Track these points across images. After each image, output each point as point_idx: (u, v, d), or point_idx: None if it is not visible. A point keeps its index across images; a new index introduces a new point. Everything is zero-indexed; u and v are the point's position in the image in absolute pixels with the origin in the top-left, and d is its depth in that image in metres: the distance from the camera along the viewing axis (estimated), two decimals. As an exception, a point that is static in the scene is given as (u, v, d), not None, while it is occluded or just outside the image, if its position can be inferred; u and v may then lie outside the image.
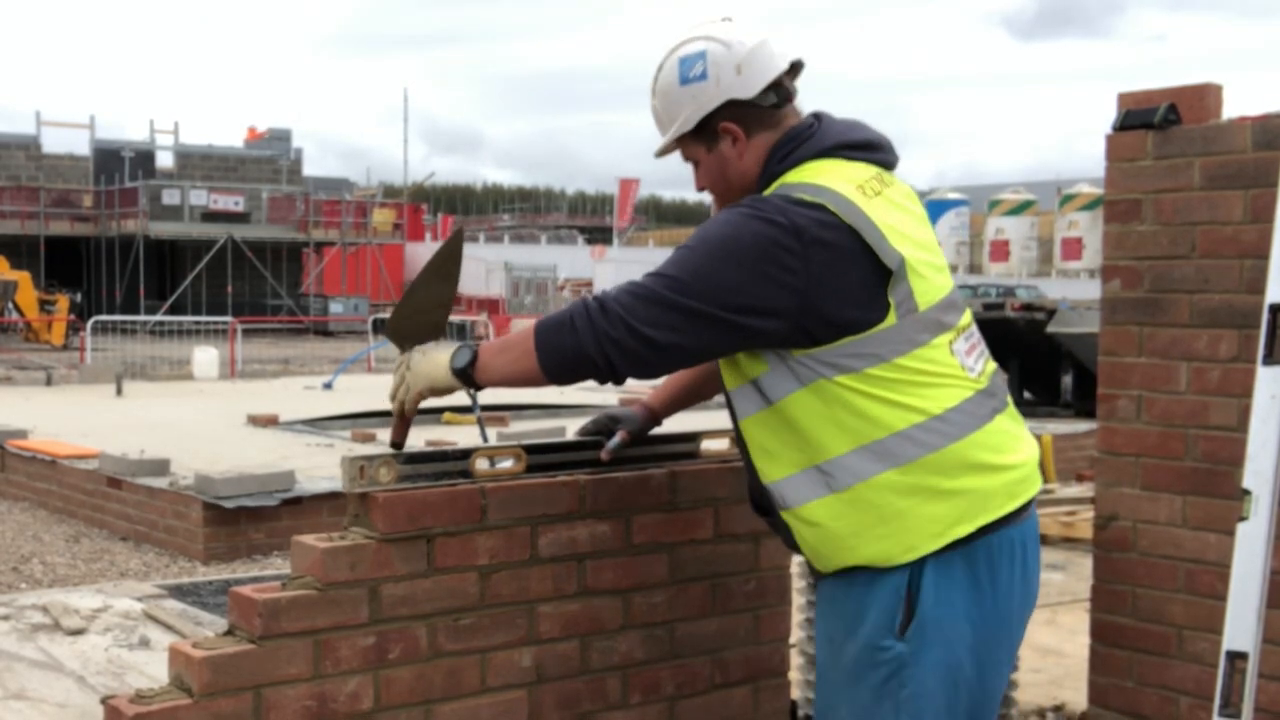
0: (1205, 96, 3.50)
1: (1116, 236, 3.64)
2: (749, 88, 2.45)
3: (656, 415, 3.01)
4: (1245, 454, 2.94)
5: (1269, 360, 2.96)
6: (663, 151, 2.61)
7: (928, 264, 2.42)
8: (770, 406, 2.42)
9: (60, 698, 4.09)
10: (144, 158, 43.04)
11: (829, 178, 2.38)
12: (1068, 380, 12.99)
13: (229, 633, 2.63)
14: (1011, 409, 2.53)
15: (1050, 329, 12.85)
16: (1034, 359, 13.36)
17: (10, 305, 28.13)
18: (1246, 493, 2.91)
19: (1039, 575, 2.53)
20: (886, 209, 2.40)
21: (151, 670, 4.31)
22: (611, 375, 2.39)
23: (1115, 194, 3.64)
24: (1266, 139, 3.33)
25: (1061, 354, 12.91)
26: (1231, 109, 3.50)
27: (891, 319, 2.33)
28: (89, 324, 22.54)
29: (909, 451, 2.33)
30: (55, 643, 4.69)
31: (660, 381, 2.88)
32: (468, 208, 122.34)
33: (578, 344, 2.37)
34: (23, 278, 28.71)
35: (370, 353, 22.41)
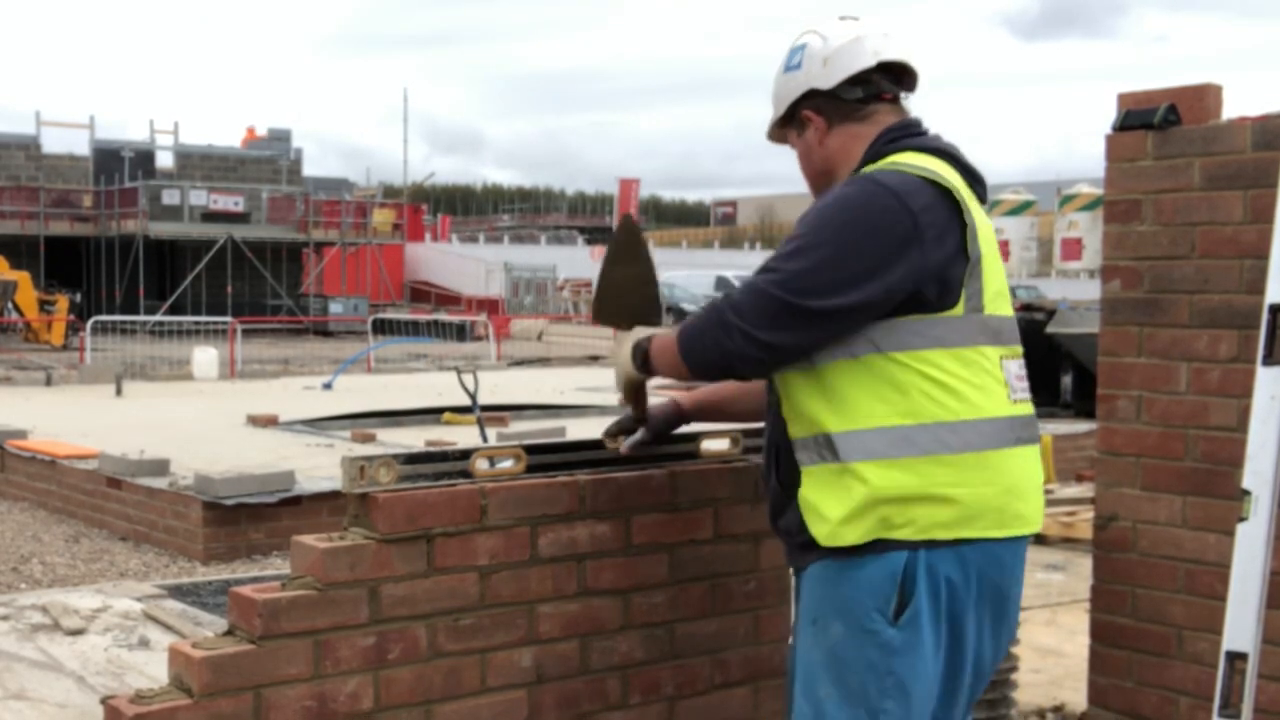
0: (1205, 97, 3.50)
1: (1116, 237, 3.64)
2: (829, 78, 2.59)
3: (685, 414, 3.06)
4: (1245, 454, 2.94)
5: (1269, 360, 2.96)
6: (770, 134, 2.78)
7: (999, 279, 2.52)
8: (813, 369, 2.47)
9: (60, 698, 4.09)
10: (144, 158, 43.01)
11: (935, 165, 2.49)
12: (1068, 380, 12.99)
13: (229, 633, 2.63)
14: (1034, 449, 2.56)
15: (1050, 329, 12.85)
16: (1034, 359, 13.31)
17: (10, 305, 28.12)
18: (1246, 493, 2.91)
19: (1018, 608, 2.59)
20: (978, 215, 2.51)
21: (151, 670, 4.31)
22: (744, 377, 2.60)
23: (1115, 194, 3.63)
24: (1266, 139, 3.33)
25: (1061, 354, 12.91)
26: (1232, 109, 3.50)
27: (960, 309, 2.41)
28: (89, 324, 22.54)
29: (943, 442, 2.38)
30: (55, 643, 4.69)
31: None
32: (468, 208, 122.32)
33: (706, 353, 2.50)
34: (22, 278, 28.69)
35: (370, 353, 22.41)
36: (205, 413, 13.18)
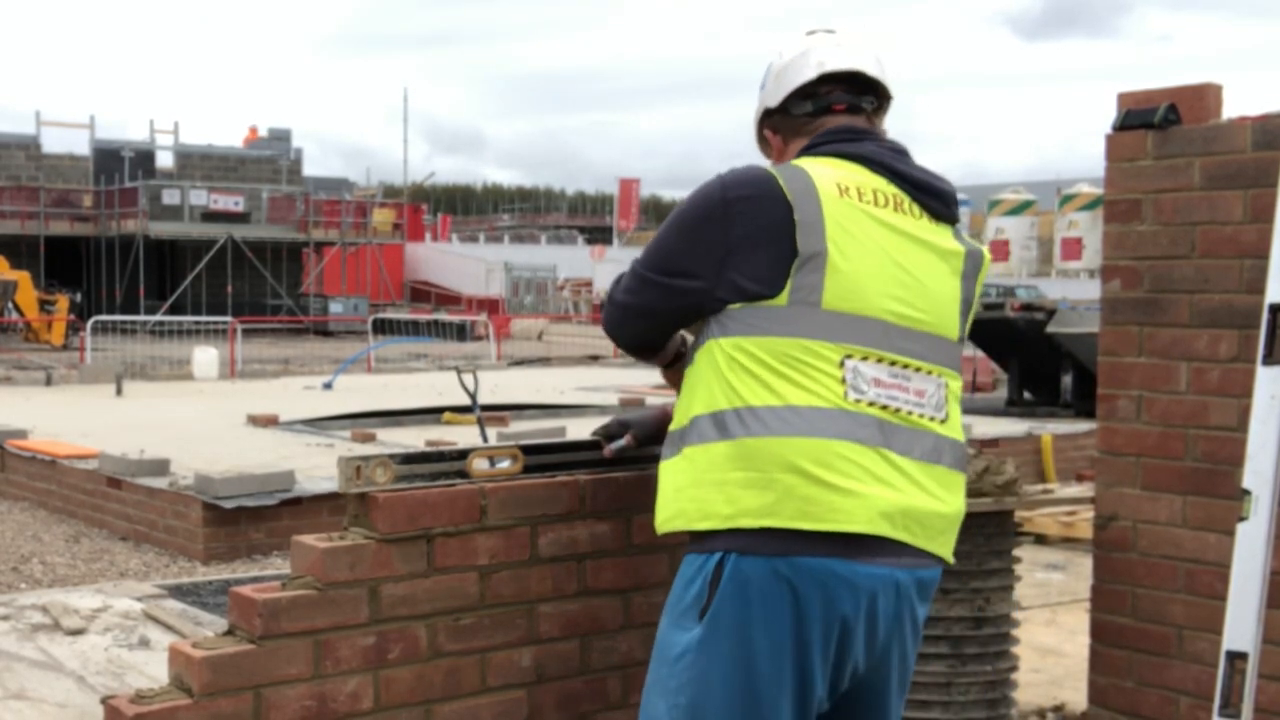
0: (1205, 96, 3.50)
1: (1116, 236, 3.64)
2: (775, 96, 2.60)
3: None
4: (1245, 454, 2.94)
5: (1269, 360, 2.96)
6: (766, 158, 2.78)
7: (883, 282, 2.38)
8: (692, 365, 2.52)
9: (60, 698, 4.09)
10: (144, 158, 43.00)
11: (818, 169, 2.42)
12: (1068, 380, 12.99)
13: (229, 633, 2.63)
14: (913, 463, 2.38)
15: (1050, 329, 12.85)
16: (1034, 359, 13.37)
17: (10, 305, 28.12)
18: (1246, 493, 2.91)
19: (896, 630, 2.40)
20: (863, 218, 2.39)
21: (151, 670, 4.31)
22: (625, 348, 2.69)
23: (1115, 194, 3.63)
24: (1266, 139, 3.33)
25: (1061, 354, 12.91)
26: (1232, 109, 3.50)
27: (782, 299, 2.35)
28: (89, 324, 22.54)
29: (734, 429, 2.34)
30: (55, 643, 4.69)
31: None
32: (468, 208, 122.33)
33: (607, 325, 2.66)
34: (22, 278, 28.69)
35: (370, 353, 22.41)
36: (205, 413, 13.18)
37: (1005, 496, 3.60)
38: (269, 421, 11.91)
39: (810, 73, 2.55)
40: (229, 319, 23.93)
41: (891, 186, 2.46)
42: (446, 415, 12.43)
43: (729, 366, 2.37)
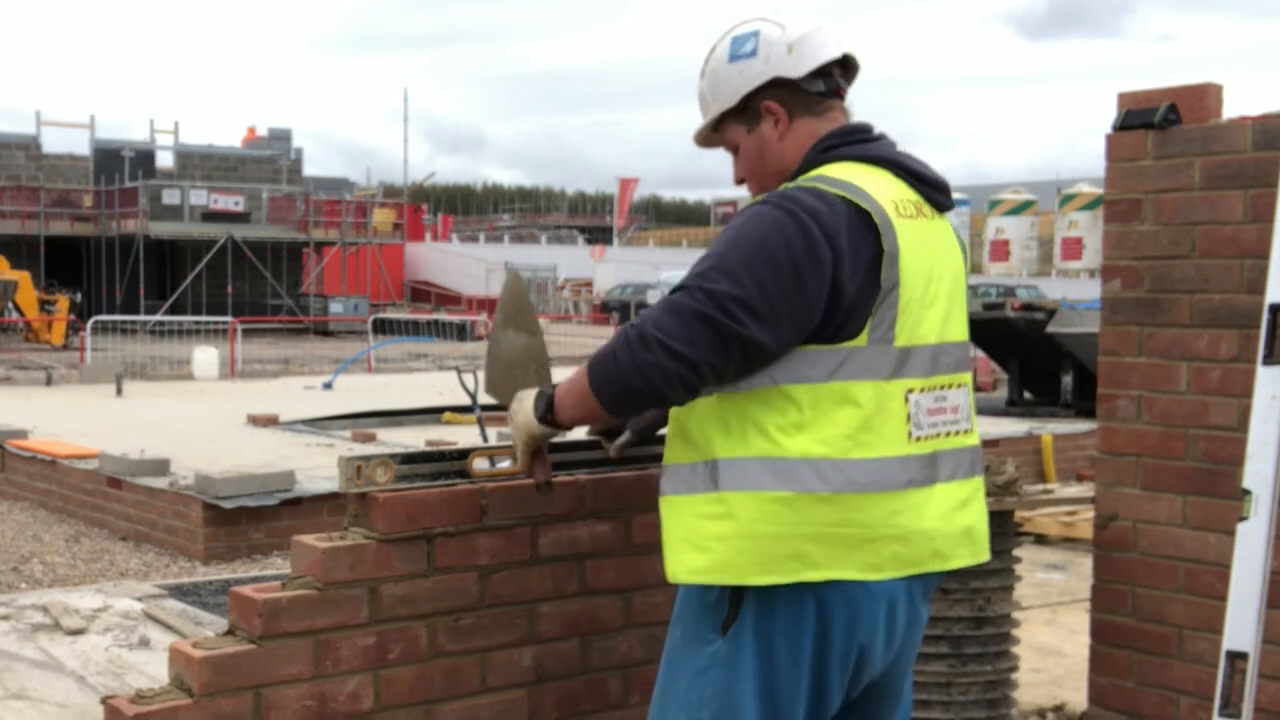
0: (1205, 96, 3.50)
1: (1116, 236, 3.64)
2: (798, 67, 2.41)
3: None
4: (1245, 454, 2.94)
5: (1269, 360, 2.96)
6: (702, 137, 2.56)
7: (929, 304, 2.34)
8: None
9: (60, 698, 4.09)
10: (144, 158, 42.99)
11: (866, 182, 2.32)
12: (1068, 380, 12.99)
13: (229, 633, 2.63)
14: (952, 486, 2.38)
15: (1050, 329, 12.85)
16: (1034, 359, 13.36)
17: (10, 305, 28.11)
18: (1246, 493, 2.91)
19: (909, 632, 2.42)
20: (912, 236, 2.32)
21: (151, 670, 4.31)
22: (663, 400, 2.27)
23: (1115, 194, 3.63)
24: (1266, 139, 3.33)
25: (1061, 354, 12.91)
26: (1233, 108, 3.50)
27: (863, 339, 2.26)
28: (89, 324, 22.53)
29: (808, 480, 2.24)
30: (55, 643, 4.69)
31: None
32: (468, 208, 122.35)
33: (622, 376, 2.25)
34: (23, 277, 28.67)
35: (370, 353, 22.41)
36: (205, 412, 13.18)
37: (1005, 496, 3.60)
38: (269, 421, 11.90)
39: (833, 50, 2.43)
40: (229, 319, 23.92)
41: (912, 191, 2.40)
42: (447, 415, 12.43)
43: (792, 408, 2.25)
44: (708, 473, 2.30)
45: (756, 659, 2.29)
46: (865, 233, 2.25)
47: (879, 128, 2.49)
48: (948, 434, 2.38)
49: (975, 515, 2.45)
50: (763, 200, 2.30)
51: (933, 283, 2.35)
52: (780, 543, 2.25)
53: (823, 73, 2.42)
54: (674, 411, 2.40)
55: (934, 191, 2.43)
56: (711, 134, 2.54)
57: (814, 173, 2.35)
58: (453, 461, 2.81)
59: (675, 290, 2.24)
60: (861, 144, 2.41)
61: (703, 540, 2.29)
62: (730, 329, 2.18)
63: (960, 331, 2.45)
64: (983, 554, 2.46)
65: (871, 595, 2.30)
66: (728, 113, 2.47)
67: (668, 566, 2.34)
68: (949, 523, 2.37)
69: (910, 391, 2.31)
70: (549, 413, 2.46)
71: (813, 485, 2.23)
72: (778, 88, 2.42)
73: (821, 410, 2.25)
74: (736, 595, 2.29)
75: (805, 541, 2.25)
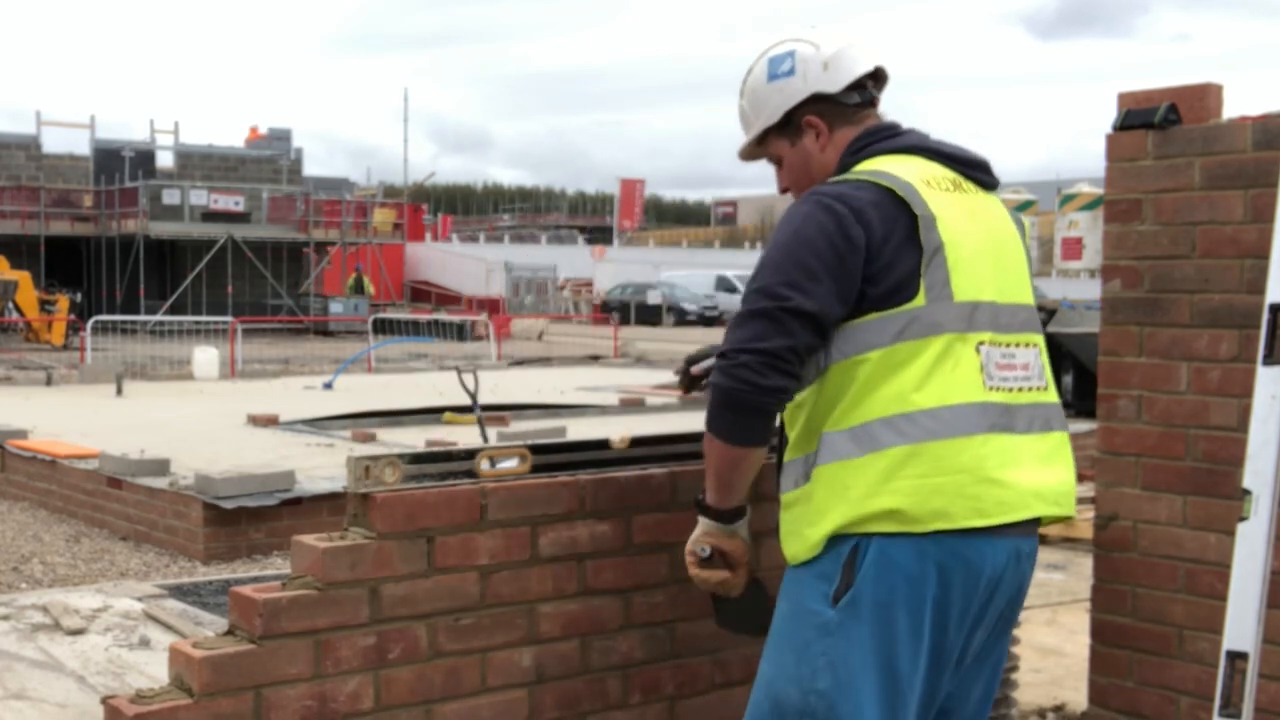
0: (1205, 96, 3.50)
1: (1116, 236, 3.64)
2: (835, 83, 2.57)
3: None
4: (1245, 454, 2.94)
5: (1269, 360, 2.96)
6: (747, 151, 2.72)
7: (983, 265, 2.46)
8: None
9: (60, 698, 4.09)
10: (144, 158, 43.00)
11: (894, 168, 2.47)
12: (1068, 380, 13.00)
13: (229, 633, 2.63)
14: (1033, 438, 2.49)
15: (1050, 329, 12.86)
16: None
17: (10, 305, 28.11)
18: (1246, 493, 2.91)
19: (1016, 596, 2.52)
20: (951, 204, 2.46)
21: (151, 670, 4.31)
22: (773, 398, 2.37)
23: (1115, 194, 3.63)
24: (1267, 139, 3.33)
25: (1061, 354, 12.92)
26: (1237, 108, 3.50)
27: (921, 299, 2.38)
28: (89, 324, 22.53)
29: (901, 432, 2.35)
30: (55, 643, 4.69)
31: None
32: (468, 207, 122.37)
33: (726, 401, 2.39)
34: (23, 277, 28.68)
35: (370, 353, 22.41)
36: (205, 412, 13.18)
37: (1005, 496, 3.60)
38: (269, 421, 11.90)
39: (867, 65, 2.59)
40: (229, 319, 23.92)
41: (948, 170, 2.53)
42: (447, 415, 12.43)
43: (870, 374, 2.37)
44: (803, 462, 2.45)
45: (873, 627, 2.35)
46: (896, 206, 2.40)
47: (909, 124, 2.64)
48: (1020, 389, 2.48)
49: (1065, 469, 2.54)
50: (795, 204, 2.48)
51: (984, 247, 2.48)
52: (866, 502, 2.34)
53: (857, 85, 2.60)
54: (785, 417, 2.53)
55: (973, 170, 2.58)
56: (755, 148, 2.71)
57: (853, 170, 2.52)
58: (460, 462, 2.81)
59: (741, 307, 2.43)
60: (888, 139, 2.57)
61: (801, 523, 2.43)
62: (780, 308, 2.34)
63: (1024, 294, 2.56)
64: (1069, 507, 2.53)
65: (982, 551, 2.37)
66: (770, 129, 2.64)
67: (787, 550, 2.48)
68: (1042, 472, 2.47)
69: (981, 344, 2.43)
70: (705, 501, 2.59)
71: (890, 440, 2.34)
72: (817, 103, 2.59)
73: (890, 370, 2.37)
74: (849, 565, 2.36)
75: (895, 497, 2.33)
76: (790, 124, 2.62)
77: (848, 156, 2.56)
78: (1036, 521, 2.49)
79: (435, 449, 2.91)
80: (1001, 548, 2.41)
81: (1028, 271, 2.61)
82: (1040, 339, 2.59)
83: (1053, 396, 2.58)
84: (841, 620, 2.36)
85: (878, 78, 2.65)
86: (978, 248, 2.47)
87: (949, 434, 2.36)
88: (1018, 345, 2.51)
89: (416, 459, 2.75)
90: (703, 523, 2.60)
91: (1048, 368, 2.60)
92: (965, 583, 2.37)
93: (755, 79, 2.66)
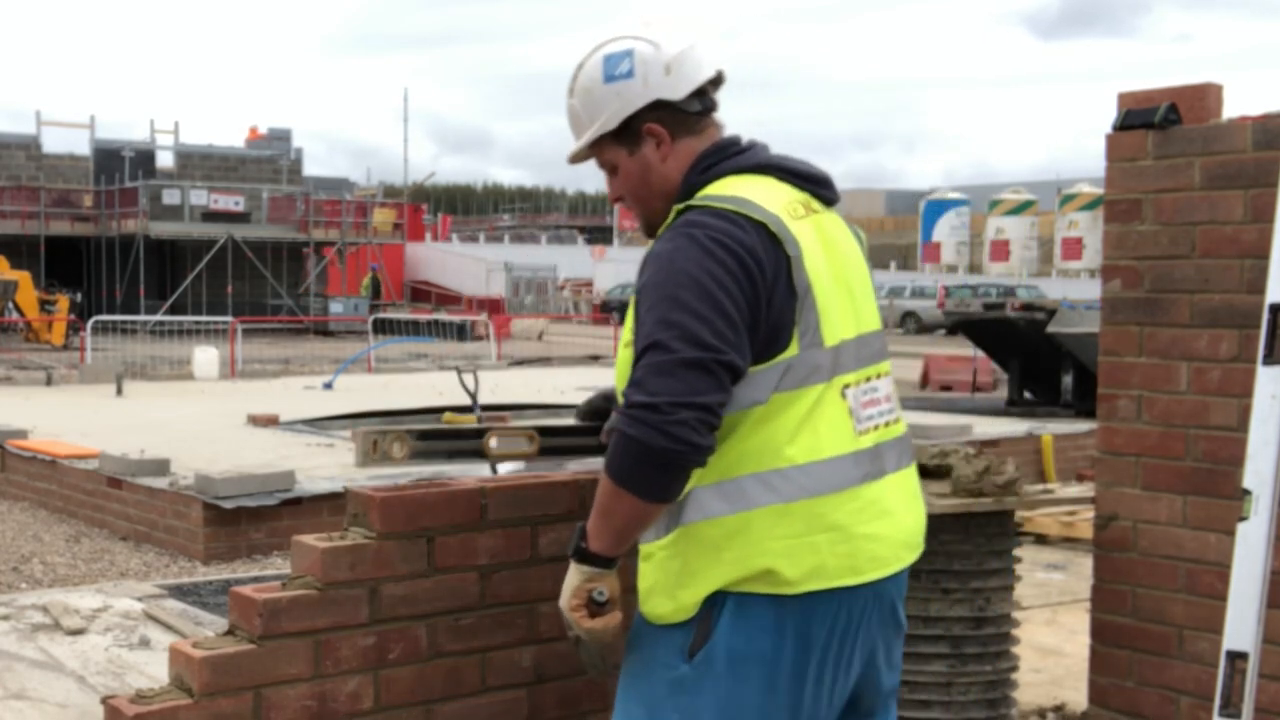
0: (1205, 96, 3.50)
1: (1116, 236, 3.64)
2: (678, 89, 2.37)
3: None
4: (1245, 454, 2.94)
5: (1269, 360, 2.96)
6: (577, 155, 2.50)
7: (840, 297, 2.33)
8: None
9: (60, 697, 4.09)
10: (144, 158, 42.98)
11: (753, 193, 2.30)
12: (1068, 380, 12.99)
13: (229, 633, 2.63)
14: (898, 476, 2.39)
15: (1050, 329, 12.86)
16: (1034, 359, 13.37)
17: (10, 305, 28.11)
18: (1246, 493, 2.91)
19: (888, 648, 2.40)
20: (808, 234, 2.31)
21: (151, 670, 4.31)
22: (705, 457, 2.17)
23: (1115, 194, 3.63)
24: (1266, 139, 3.33)
25: (1061, 354, 12.91)
26: (1238, 108, 3.50)
27: (794, 348, 2.24)
28: (89, 324, 22.51)
29: (759, 495, 2.22)
30: (55, 643, 4.69)
31: None
32: (468, 208, 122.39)
33: (647, 452, 2.13)
34: (23, 277, 28.66)
35: (370, 353, 22.41)
36: (206, 412, 13.17)
37: (1005, 496, 3.60)
38: (269, 421, 11.90)
39: (709, 70, 2.40)
40: (229, 319, 23.92)
41: (797, 191, 2.37)
42: (447, 415, 12.42)
43: (739, 432, 2.23)
44: (668, 515, 2.27)
45: (728, 683, 2.23)
46: (771, 243, 2.24)
47: (751, 137, 2.46)
48: (886, 424, 2.38)
49: (920, 503, 2.46)
50: (672, 236, 2.25)
51: (839, 277, 2.34)
52: (741, 564, 2.21)
53: (699, 91, 2.40)
54: None
55: (818, 187, 2.40)
56: (587, 152, 2.48)
57: (701, 194, 2.32)
58: (469, 440, 2.80)
59: (641, 356, 2.17)
60: (736, 156, 2.38)
61: (670, 582, 2.27)
62: (716, 361, 2.14)
63: (873, 321, 2.42)
64: (922, 544, 2.45)
65: (847, 603, 2.26)
66: (612, 133, 2.41)
67: (651, 607, 2.30)
68: (907, 516, 2.38)
69: (846, 387, 2.30)
70: (583, 542, 2.29)
71: (763, 498, 2.22)
72: (658, 109, 2.38)
73: (762, 422, 2.23)
74: (705, 618, 2.24)
75: (770, 558, 2.21)
76: (628, 131, 2.39)
77: (695, 175, 2.37)
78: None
79: (444, 426, 2.92)
80: (866, 592, 2.29)
81: (872, 291, 2.45)
82: (889, 366, 2.44)
83: (904, 425, 2.45)
84: (696, 676, 2.24)
85: (717, 82, 2.44)
86: (835, 278, 2.32)
87: (822, 490, 2.24)
88: (877, 377, 2.39)
89: (425, 435, 2.74)
90: (583, 570, 2.30)
91: (896, 392, 2.47)
92: (828, 634, 2.26)
93: (589, 77, 2.42)
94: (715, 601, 2.24)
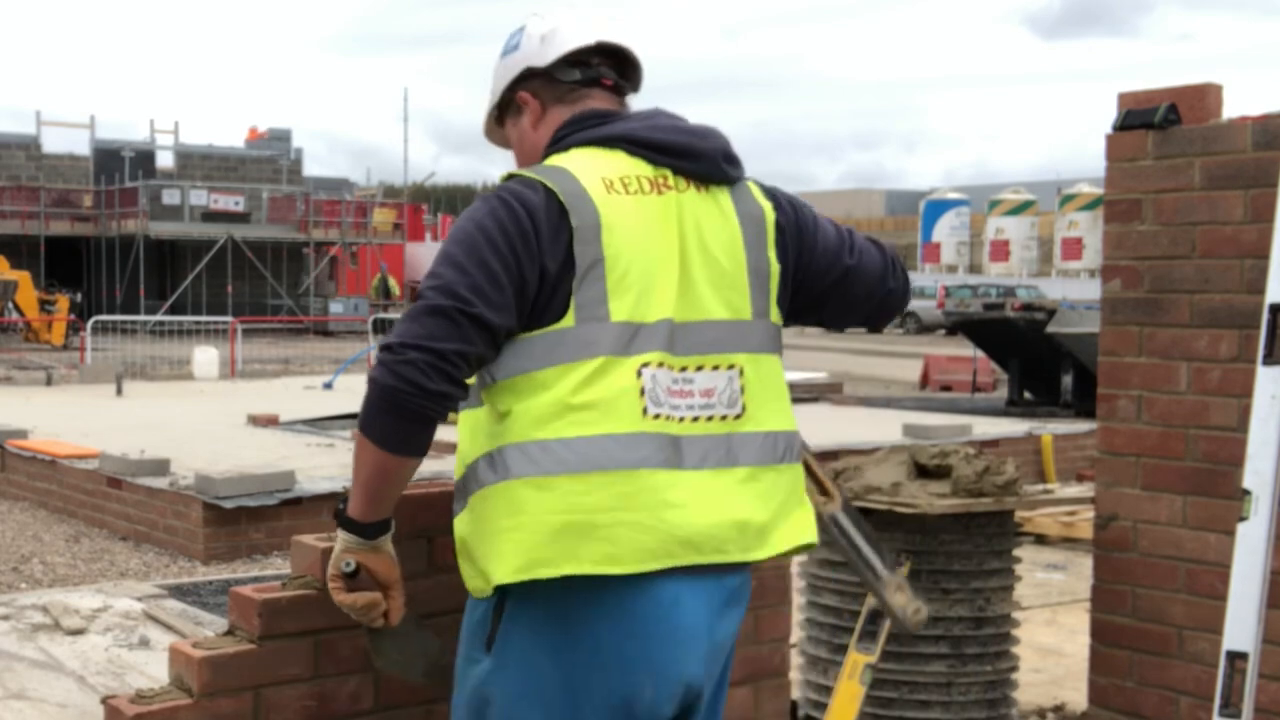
0: (1205, 96, 3.50)
1: (1116, 236, 3.64)
2: (544, 56, 2.36)
3: None
4: (1245, 454, 2.94)
5: (1269, 360, 2.96)
6: (487, 132, 2.54)
7: (666, 277, 2.22)
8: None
9: (60, 698, 4.09)
10: (144, 158, 43.01)
11: (577, 163, 2.25)
12: (1068, 380, 13.00)
13: (229, 633, 2.63)
14: (709, 474, 2.20)
15: (1050, 329, 12.87)
16: (1034, 359, 13.38)
17: (10, 305, 28.12)
18: (1246, 493, 2.91)
19: (715, 661, 2.27)
20: (633, 211, 2.22)
21: (151, 670, 4.31)
22: (437, 403, 2.11)
23: (1115, 194, 3.64)
24: (1266, 139, 3.33)
25: (1061, 354, 12.92)
26: (1241, 108, 3.50)
27: (570, 319, 2.16)
28: (89, 324, 22.52)
29: (518, 466, 2.14)
30: (55, 643, 4.69)
31: None
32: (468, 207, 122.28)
33: (384, 396, 2.10)
34: (23, 277, 28.68)
35: (370, 352, 22.41)
36: (205, 412, 13.18)
37: (1005, 496, 3.60)
38: (269, 421, 11.91)
39: (587, 38, 2.36)
40: (229, 319, 23.93)
41: (651, 166, 2.27)
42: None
43: (509, 400, 2.17)
44: (463, 484, 2.24)
45: (522, 675, 2.18)
46: (560, 213, 2.18)
47: (651, 108, 2.39)
48: (695, 419, 2.21)
49: (750, 508, 2.23)
50: (483, 196, 2.25)
51: (668, 259, 2.23)
52: (504, 538, 2.14)
53: (578, 62, 2.36)
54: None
55: (690, 163, 2.30)
56: (495, 131, 2.52)
57: (548, 160, 2.30)
58: None
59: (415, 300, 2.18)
60: (592, 128, 2.31)
61: (465, 556, 2.26)
62: (460, 310, 2.10)
63: (721, 310, 2.27)
64: (759, 550, 2.24)
65: (634, 596, 2.14)
66: (498, 105, 2.46)
67: (468, 584, 2.28)
68: (708, 513, 2.17)
69: (645, 366, 2.17)
70: (350, 521, 2.25)
71: (522, 470, 2.13)
72: (531, 79, 2.38)
73: (533, 396, 2.15)
74: (498, 608, 2.20)
75: (527, 534, 2.12)
76: (511, 103, 2.42)
77: (550, 146, 2.34)
78: (724, 564, 2.21)
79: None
80: (661, 589, 2.14)
81: (745, 281, 2.30)
82: (741, 359, 2.27)
83: (754, 425, 2.27)
84: (493, 667, 2.21)
85: (618, 59, 2.39)
86: (659, 259, 2.21)
87: (584, 467, 2.11)
88: (700, 369, 2.23)
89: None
90: (343, 537, 2.26)
91: (763, 398, 2.30)
92: (610, 627, 2.14)
93: (496, 57, 2.47)
94: (505, 590, 2.19)
